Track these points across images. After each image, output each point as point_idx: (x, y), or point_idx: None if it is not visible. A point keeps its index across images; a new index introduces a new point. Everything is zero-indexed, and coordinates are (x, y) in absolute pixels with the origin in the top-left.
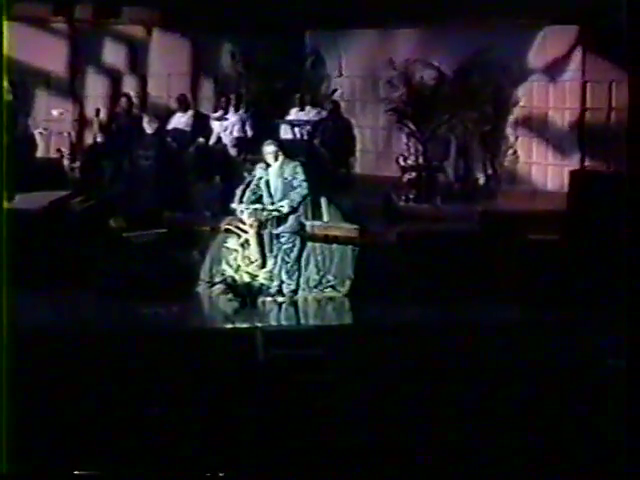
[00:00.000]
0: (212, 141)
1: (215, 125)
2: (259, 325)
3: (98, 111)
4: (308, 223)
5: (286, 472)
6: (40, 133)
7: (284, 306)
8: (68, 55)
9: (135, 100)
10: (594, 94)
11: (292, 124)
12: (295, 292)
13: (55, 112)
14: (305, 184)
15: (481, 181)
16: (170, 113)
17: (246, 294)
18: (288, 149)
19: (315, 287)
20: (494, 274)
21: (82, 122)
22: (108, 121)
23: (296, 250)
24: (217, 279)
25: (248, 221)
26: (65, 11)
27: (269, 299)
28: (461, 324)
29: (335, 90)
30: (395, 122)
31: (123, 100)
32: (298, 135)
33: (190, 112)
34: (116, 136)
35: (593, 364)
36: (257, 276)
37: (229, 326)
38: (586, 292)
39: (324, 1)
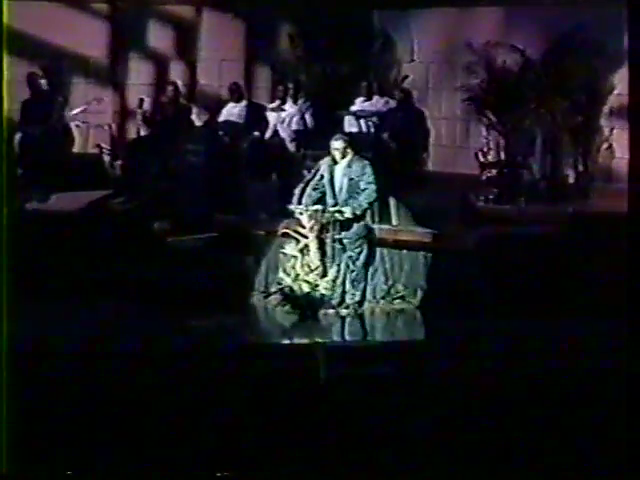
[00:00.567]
0: (268, 135)
1: (271, 117)
2: (320, 341)
3: (142, 101)
4: (376, 227)
5: None
6: (77, 126)
7: (348, 319)
8: (109, 39)
9: (183, 89)
10: None
11: (357, 115)
12: (360, 304)
13: (88, 104)
14: (374, 187)
15: (571, 179)
16: (222, 103)
17: (305, 306)
18: (358, 145)
19: (383, 298)
20: (586, 283)
21: (124, 114)
22: (153, 113)
23: (363, 257)
24: (273, 289)
25: (308, 224)
26: None
27: (331, 311)
28: (550, 340)
29: (406, 77)
30: (474, 113)
31: (169, 89)
32: (364, 128)
33: (244, 102)
34: (161, 129)
35: None
36: (318, 285)
37: (286, 342)
38: None
39: None
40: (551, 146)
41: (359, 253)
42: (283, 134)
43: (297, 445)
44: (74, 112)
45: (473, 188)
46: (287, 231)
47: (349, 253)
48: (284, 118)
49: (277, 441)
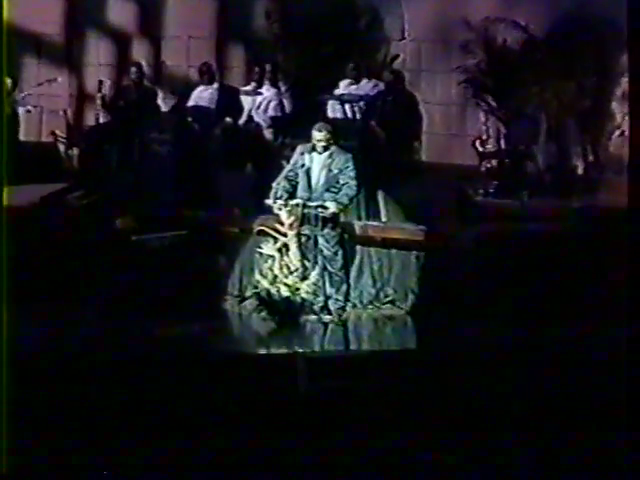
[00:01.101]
0: (242, 121)
1: (246, 101)
2: (300, 351)
3: (101, 84)
4: (360, 223)
5: None
6: (28, 111)
7: (331, 327)
8: (64, 13)
9: (147, 70)
10: None
11: (342, 100)
12: (344, 309)
13: (40, 86)
14: (355, 183)
15: (579, 170)
16: (191, 86)
17: (284, 311)
18: (342, 136)
19: (370, 303)
20: (595, 285)
21: (81, 97)
22: (114, 96)
23: (340, 257)
24: (248, 293)
25: (287, 221)
26: None
27: (313, 318)
28: (556, 348)
29: (396, 57)
30: (471, 97)
31: (132, 70)
32: (350, 114)
33: (215, 85)
34: (123, 115)
35: None
36: (298, 289)
37: (263, 352)
38: None
39: None
40: (557, 134)
41: (335, 253)
42: (259, 120)
43: (274, 467)
44: (23, 95)
45: (470, 180)
46: (264, 228)
47: (325, 253)
48: (260, 103)
49: (251, 462)
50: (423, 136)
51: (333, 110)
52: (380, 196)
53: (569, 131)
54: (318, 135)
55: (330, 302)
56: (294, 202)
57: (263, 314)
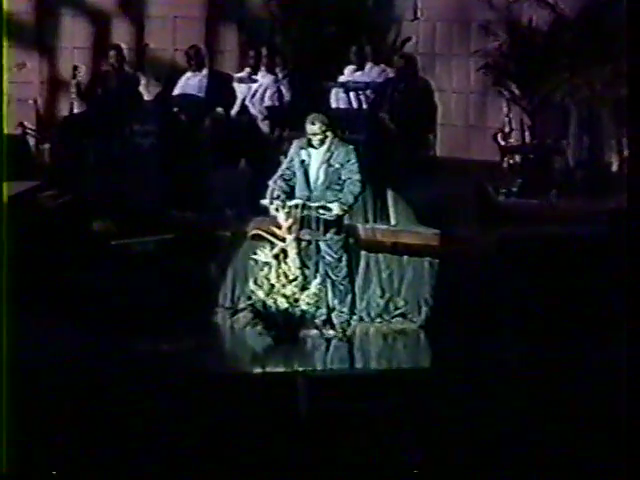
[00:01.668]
0: (235, 111)
1: (240, 89)
2: (300, 369)
3: (76, 69)
4: (367, 226)
5: None
6: None
7: (334, 342)
8: None
9: (128, 54)
10: None
11: (347, 87)
12: (348, 323)
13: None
14: (358, 177)
15: (614, 167)
16: (177, 72)
17: (282, 325)
18: (341, 126)
19: (379, 316)
20: (632, 294)
21: (54, 85)
22: (90, 84)
23: (344, 264)
24: (242, 305)
25: (285, 224)
26: None
27: (314, 332)
28: (588, 365)
29: (408, 39)
30: (492, 84)
31: (111, 54)
32: (355, 103)
33: (204, 71)
34: (101, 105)
35: None
36: (297, 300)
37: (258, 370)
38: None
39: None
40: (589, 125)
41: (339, 260)
42: (254, 111)
43: None
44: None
45: (491, 178)
46: (259, 232)
47: (328, 260)
48: (255, 91)
49: None
50: (438, 128)
51: (337, 99)
52: (389, 196)
53: (603, 122)
54: (312, 128)
55: (333, 315)
56: (293, 203)
57: (258, 328)
